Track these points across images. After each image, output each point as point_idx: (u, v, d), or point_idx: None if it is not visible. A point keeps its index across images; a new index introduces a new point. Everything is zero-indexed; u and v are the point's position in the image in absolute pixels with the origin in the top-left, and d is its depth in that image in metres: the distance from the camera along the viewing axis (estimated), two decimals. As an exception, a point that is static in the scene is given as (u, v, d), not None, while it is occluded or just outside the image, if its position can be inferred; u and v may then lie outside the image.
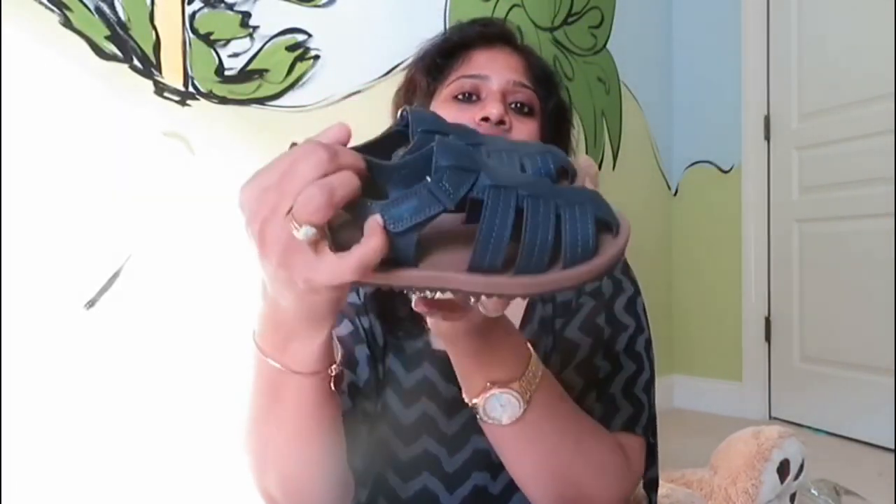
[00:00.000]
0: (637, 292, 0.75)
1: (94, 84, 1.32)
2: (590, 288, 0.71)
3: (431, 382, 0.68)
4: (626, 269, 0.76)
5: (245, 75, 1.54)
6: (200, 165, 1.46)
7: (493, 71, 0.71)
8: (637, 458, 0.65)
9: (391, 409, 0.67)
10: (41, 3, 1.26)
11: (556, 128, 0.75)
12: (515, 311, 0.70)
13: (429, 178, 0.35)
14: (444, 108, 0.70)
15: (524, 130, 0.70)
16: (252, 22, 1.55)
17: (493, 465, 0.64)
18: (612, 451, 0.61)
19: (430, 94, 0.73)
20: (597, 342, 0.69)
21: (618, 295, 0.73)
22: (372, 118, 0.81)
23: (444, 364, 0.67)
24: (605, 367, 0.68)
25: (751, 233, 2.56)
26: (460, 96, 0.70)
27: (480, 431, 0.63)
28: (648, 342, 0.73)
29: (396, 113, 0.78)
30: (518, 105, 0.71)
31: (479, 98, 0.70)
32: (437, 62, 0.73)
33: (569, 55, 2.37)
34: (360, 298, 0.72)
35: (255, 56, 1.56)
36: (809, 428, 2.31)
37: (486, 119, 0.67)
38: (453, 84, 0.71)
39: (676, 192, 2.83)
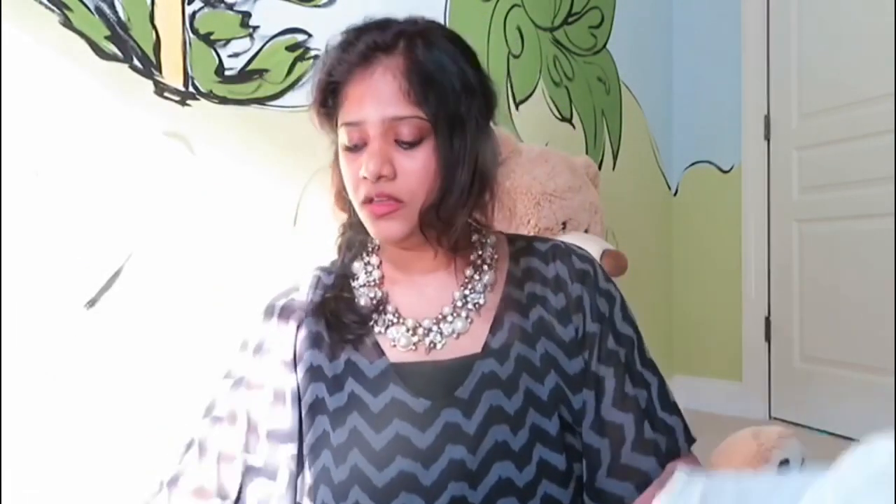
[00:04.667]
0: (621, 295, 0.77)
1: (94, 84, 1.32)
2: (590, 308, 0.72)
3: (401, 401, 0.68)
4: (607, 276, 0.77)
5: (245, 75, 1.54)
6: (200, 165, 1.46)
7: (370, 109, 0.65)
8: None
9: (361, 435, 0.67)
10: (41, 3, 1.26)
11: (454, 127, 0.67)
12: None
13: None
14: (342, 157, 0.70)
15: (412, 167, 0.66)
16: (252, 22, 1.55)
17: (471, 475, 0.64)
18: None
19: (333, 138, 0.72)
20: (619, 369, 0.70)
21: (612, 307, 0.74)
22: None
23: (411, 377, 0.69)
24: (641, 394, 0.70)
25: (751, 233, 2.56)
26: (349, 145, 0.68)
27: (455, 441, 0.65)
28: (642, 338, 0.76)
29: (330, 142, 0.75)
30: (402, 141, 0.66)
31: (365, 143, 0.67)
32: (321, 110, 0.71)
33: (569, 55, 2.37)
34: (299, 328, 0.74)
35: (256, 56, 1.56)
36: (809, 428, 2.31)
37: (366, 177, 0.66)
38: (341, 131, 0.68)
39: (676, 192, 2.82)
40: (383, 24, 0.69)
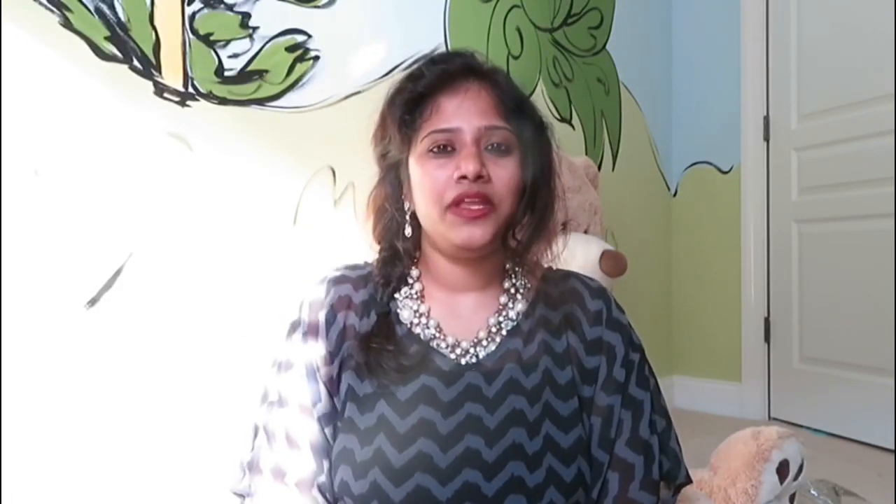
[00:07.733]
0: (621, 310, 0.79)
1: (94, 85, 1.33)
2: (620, 359, 0.75)
3: (431, 389, 0.71)
4: (602, 291, 0.80)
5: (245, 76, 1.54)
6: (200, 166, 1.46)
7: (464, 119, 0.70)
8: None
9: (388, 420, 0.70)
10: (41, 3, 1.26)
11: (535, 151, 0.74)
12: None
13: None
14: (423, 163, 0.71)
15: (503, 173, 0.70)
16: (252, 23, 1.55)
17: (486, 465, 0.67)
18: None
19: (405, 146, 0.73)
20: (637, 413, 0.74)
21: (642, 361, 0.77)
22: (372, 119, 0.81)
23: (441, 373, 0.72)
24: (654, 439, 0.74)
25: (750, 233, 2.56)
26: (435, 149, 0.70)
27: (474, 431, 0.68)
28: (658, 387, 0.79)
29: (379, 156, 0.78)
30: (494, 146, 0.71)
31: (454, 149, 0.70)
32: (405, 118, 0.72)
33: (568, 56, 2.37)
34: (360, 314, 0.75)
35: (255, 57, 1.56)
36: (809, 428, 2.31)
37: (463, 177, 0.68)
38: (426, 139, 0.71)
39: (676, 192, 2.83)
40: (471, 53, 0.76)
